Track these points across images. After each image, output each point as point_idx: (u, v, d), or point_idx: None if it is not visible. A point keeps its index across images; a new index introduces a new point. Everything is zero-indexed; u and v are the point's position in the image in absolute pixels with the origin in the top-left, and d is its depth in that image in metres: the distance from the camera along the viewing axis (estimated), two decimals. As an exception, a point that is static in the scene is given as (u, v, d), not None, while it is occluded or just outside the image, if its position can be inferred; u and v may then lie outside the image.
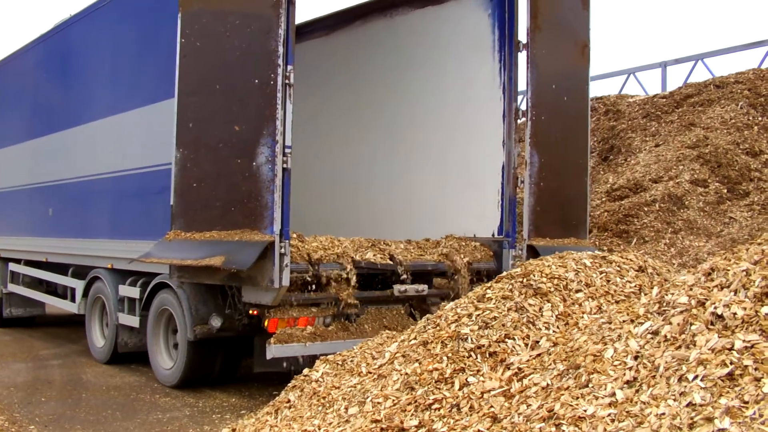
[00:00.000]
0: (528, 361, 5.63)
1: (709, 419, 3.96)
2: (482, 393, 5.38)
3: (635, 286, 6.97)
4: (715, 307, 4.71)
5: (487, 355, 5.88)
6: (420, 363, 6.05)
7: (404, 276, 9.86)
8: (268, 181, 8.48)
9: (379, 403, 5.78)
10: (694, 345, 4.55)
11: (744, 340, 4.38)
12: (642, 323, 5.10)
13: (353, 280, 9.37)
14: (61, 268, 13.80)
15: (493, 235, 10.86)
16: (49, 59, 14.29)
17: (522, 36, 10.52)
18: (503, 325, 6.16)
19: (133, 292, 11.02)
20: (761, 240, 5.43)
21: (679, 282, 5.36)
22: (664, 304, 5.13)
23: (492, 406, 5.14)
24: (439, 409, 5.41)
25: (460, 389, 5.57)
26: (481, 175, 11.16)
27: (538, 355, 5.67)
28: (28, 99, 15.21)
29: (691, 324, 4.72)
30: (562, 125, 10.72)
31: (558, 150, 10.64)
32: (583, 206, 10.99)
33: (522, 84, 10.58)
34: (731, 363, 4.27)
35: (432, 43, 12.33)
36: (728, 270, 5.06)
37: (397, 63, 13.00)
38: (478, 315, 6.36)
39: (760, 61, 20.10)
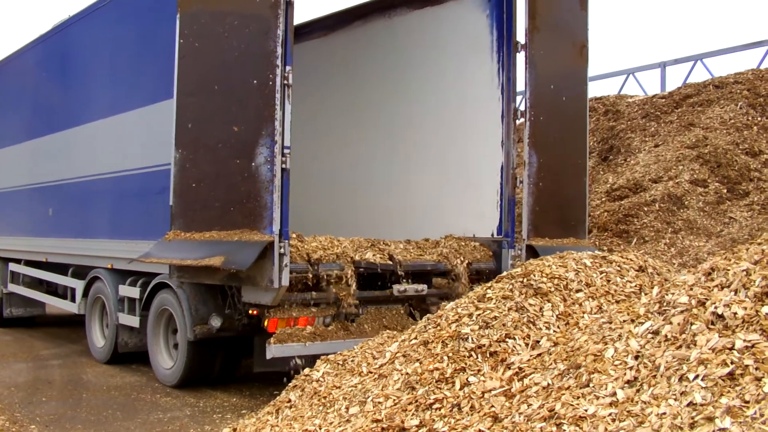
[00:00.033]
0: (529, 360, 5.63)
1: (710, 419, 3.97)
2: (483, 393, 5.38)
3: (635, 286, 6.98)
4: (716, 307, 4.72)
5: (488, 355, 5.88)
6: (421, 363, 6.06)
7: (402, 276, 9.88)
8: (267, 182, 8.49)
9: (380, 402, 5.78)
10: (695, 345, 4.56)
11: (744, 340, 4.38)
12: (642, 323, 5.11)
13: (353, 280, 9.38)
14: (61, 268, 13.81)
15: (492, 235, 10.88)
16: (49, 59, 14.29)
17: (520, 36, 10.54)
18: (504, 325, 6.16)
19: (133, 292, 11.02)
20: (761, 240, 5.44)
21: (680, 282, 5.36)
22: (665, 304, 5.13)
23: (493, 406, 5.14)
24: (440, 408, 5.41)
25: (460, 389, 5.57)
26: (480, 176, 11.17)
27: (539, 354, 5.68)
28: (28, 99, 15.21)
29: (692, 324, 4.73)
30: (561, 125, 10.73)
31: (556, 150, 10.65)
32: (581, 206, 11.00)
33: (520, 84, 10.58)
34: (732, 362, 4.27)
35: (431, 44, 12.34)
36: (728, 270, 5.06)
37: (396, 63, 13.00)
38: (479, 315, 6.36)
39: (760, 62, 20.13)
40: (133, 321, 11.09)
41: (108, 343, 11.90)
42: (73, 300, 13.19)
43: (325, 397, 6.44)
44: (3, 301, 16.34)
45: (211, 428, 8.16)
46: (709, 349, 4.44)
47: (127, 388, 10.27)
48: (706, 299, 4.86)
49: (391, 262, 9.84)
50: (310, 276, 9.14)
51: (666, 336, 4.78)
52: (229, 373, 10.39)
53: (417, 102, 12.54)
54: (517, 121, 11.05)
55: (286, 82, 8.53)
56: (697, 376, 4.29)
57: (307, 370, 7.16)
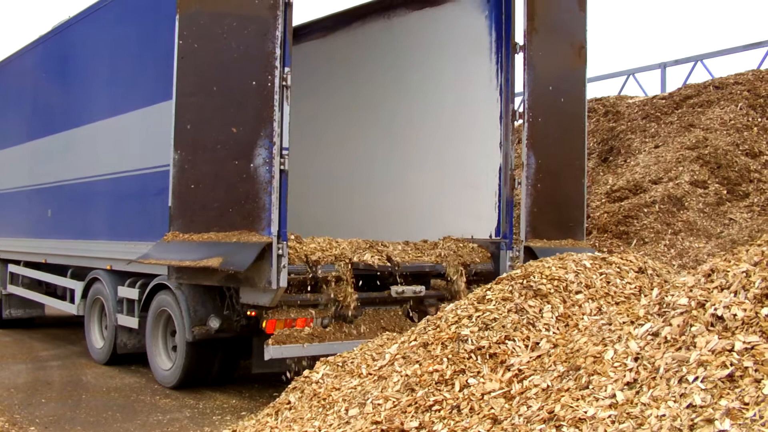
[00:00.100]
0: (528, 362, 5.62)
1: (710, 421, 3.96)
2: (482, 394, 5.38)
3: (635, 288, 6.97)
4: (715, 309, 4.71)
5: (488, 357, 5.88)
6: (420, 364, 6.05)
7: (400, 278, 9.88)
8: (266, 183, 8.50)
9: (379, 404, 5.78)
10: (695, 346, 4.55)
11: (744, 342, 4.38)
12: (642, 324, 5.10)
13: (351, 281, 9.38)
14: (60, 270, 13.81)
15: (490, 236, 10.88)
16: (49, 61, 14.29)
17: (519, 38, 10.56)
18: (503, 327, 6.15)
19: (132, 293, 11.02)
20: (761, 241, 5.43)
21: (679, 283, 5.35)
22: (664, 306, 5.13)
23: (492, 408, 5.14)
24: (439, 410, 5.41)
25: (460, 390, 5.56)
26: (479, 177, 11.18)
27: (539, 356, 5.67)
28: (28, 100, 15.20)
29: (691, 325, 4.72)
30: (559, 127, 10.74)
31: (555, 151, 10.66)
32: (580, 207, 11.00)
33: (519, 86, 10.59)
34: (731, 364, 4.26)
35: (429, 45, 12.35)
36: (728, 271, 5.06)
37: (395, 65, 13.01)
38: (479, 316, 6.35)
39: (760, 62, 20.15)
40: (132, 322, 11.09)
41: (107, 344, 11.90)
42: (72, 301, 13.19)
43: (324, 399, 6.44)
44: (2, 302, 16.35)
45: (210, 430, 8.16)
46: (709, 350, 4.44)
47: (126, 389, 10.27)
48: (705, 301, 4.86)
49: (389, 264, 9.84)
50: (309, 277, 9.14)
51: (666, 338, 4.77)
52: (227, 374, 10.39)
53: (416, 103, 12.54)
54: (516, 123, 11.04)
55: (284, 83, 8.53)
56: (696, 378, 4.29)
57: (306, 372, 7.15)
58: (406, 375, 6.00)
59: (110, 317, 11.64)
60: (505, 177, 10.73)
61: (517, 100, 10.75)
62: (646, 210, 15.04)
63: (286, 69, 8.55)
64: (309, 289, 9.22)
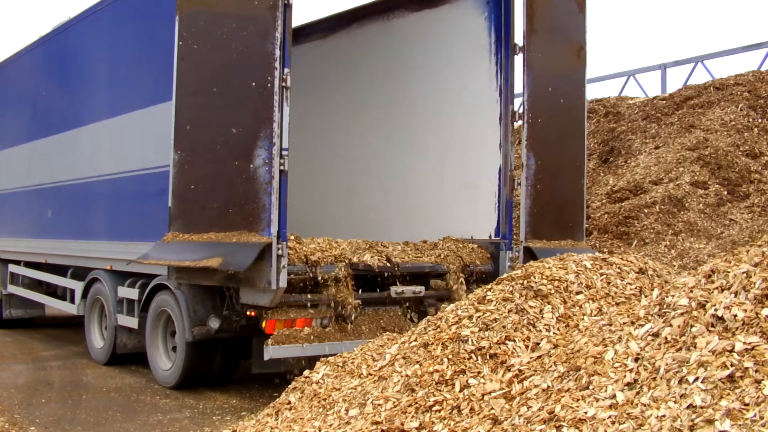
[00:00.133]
0: (528, 362, 5.62)
1: (710, 421, 3.96)
2: (483, 395, 5.37)
3: (636, 288, 6.97)
4: (716, 309, 4.71)
5: (488, 357, 5.87)
6: (421, 365, 6.05)
7: (399, 279, 9.89)
8: (265, 183, 8.51)
9: (379, 404, 5.78)
10: (695, 347, 4.55)
11: (744, 342, 4.37)
12: (642, 325, 5.10)
13: (350, 282, 9.39)
14: (60, 270, 13.81)
15: (490, 237, 10.90)
16: (49, 62, 14.29)
17: (518, 39, 10.58)
18: (504, 327, 6.15)
19: (132, 293, 11.02)
20: (761, 242, 5.43)
21: (680, 284, 5.35)
22: (665, 306, 5.12)
23: (492, 408, 5.13)
24: (439, 410, 5.40)
25: (460, 391, 5.56)
26: (478, 178, 11.19)
27: (539, 356, 5.67)
28: (28, 101, 15.20)
29: (692, 326, 4.72)
30: (559, 127, 10.75)
31: (554, 152, 10.66)
32: (579, 208, 11.00)
33: (518, 86, 10.60)
34: (732, 365, 4.26)
35: (429, 46, 12.36)
36: (729, 272, 5.05)
37: (395, 66, 13.02)
38: (479, 317, 6.35)
39: (760, 63, 20.13)
40: (132, 322, 11.09)
41: (107, 344, 11.90)
42: (72, 301, 13.20)
43: (324, 399, 6.44)
44: (3, 302, 16.35)
45: (210, 430, 8.16)
46: (709, 351, 4.43)
47: (126, 389, 10.27)
48: (706, 301, 4.85)
49: (388, 264, 9.85)
50: (308, 278, 9.15)
51: (666, 338, 4.77)
52: (227, 375, 10.39)
53: (415, 104, 12.55)
54: (516, 123, 11.04)
55: (284, 84, 8.55)
56: (696, 379, 4.28)
57: (306, 372, 7.15)
58: (407, 375, 6.00)
59: (110, 317, 11.65)
60: (505, 178, 10.74)
61: (517, 101, 10.75)
62: (646, 211, 15.04)
63: (286, 70, 8.56)
64: (309, 289, 9.23)
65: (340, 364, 7.04)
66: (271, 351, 8.84)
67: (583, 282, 6.87)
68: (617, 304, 6.56)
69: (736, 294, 4.77)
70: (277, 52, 8.54)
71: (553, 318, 6.31)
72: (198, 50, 9.23)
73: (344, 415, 5.95)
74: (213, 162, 9.04)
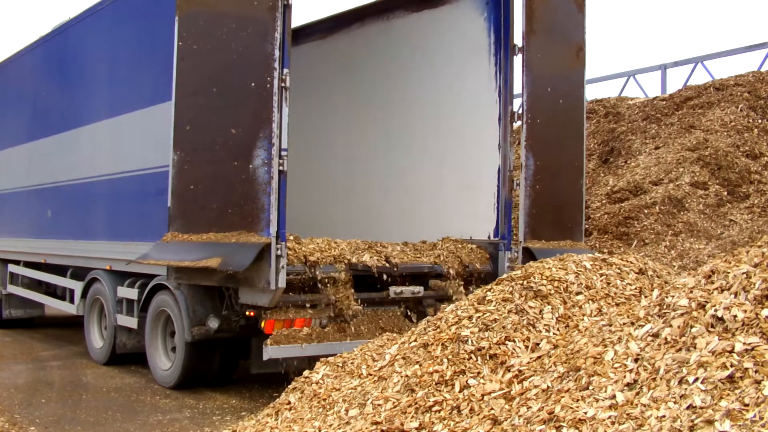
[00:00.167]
0: (528, 363, 5.62)
1: (710, 422, 3.96)
2: (483, 395, 5.37)
3: (635, 289, 6.97)
4: (716, 310, 4.71)
5: (488, 358, 5.87)
6: (420, 365, 6.05)
7: (398, 279, 9.90)
8: (265, 184, 8.52)
9: (379, 405, 5.77)
10: (695, 347, 4.54)
11: (744, 343, 4.37)
12: (642, 326, 5.10)
13: (349, 282, 9.40)
14: (60, 270, 13.82)
15: (489, 237, 10.91)
16: (48, 62, 14.29)
17: (517, 39, 10.57)
18: (504, 328, 6.15)
19: (132, 293, 11.02)
20: (761, 242, 5.42)
21: (680, 284, 5.35)
22: (665, 307, 5.12)
23: (492, 409, 5.13)
24: (439, 411, 5.40)
25: (460, 391, 5.56)
26: (477, 178, 11.20)
27: (539, 357, 5.67)
28: (28, 101, 15.21)
29: (692, 326, 4.72)
30: (558, 128, 10.75)
31: (553, 152, 10.67)
32: (578, 208, 11.00)
33: (518, 87, 10.61)
34: (731, 365, 4.26)
35: (428, 47, 12.36)
36: (728, 272, 5.05)
37: (394, 66, 13.02)
38: (479, 317, 6.35)
39: (760, 64, 20.10)
40: (131, 322, 11.09)
41: (106, 344, 11.91)
42: (71, 301, 13.20)
43: (324, 400, 6.43)
44: (2, 302, 16.36)
45: (210, 430, 8.16)
46: (709, 351, 4.43)
47: (126, 389, 10.27)
48: (706, 302, 4.85)
49: (387, 264, 9.85)
50: (307, 278, 9.16)
51: (666, 339, 4.77)
52: (226, 375, 10.39)
53: (415, 104, 12.56)
54: (515, 124, 11.04)
55: (283, 84, 8.56)
56: (696, 379, 4.28)
57: (306, 372, 7.15)
58: (407, 375, 6.00)
59: (110, 317, 11.65)
60: (504, 178, 10.74)
61: (516, 101, 10.75)
62: (646, 211, 15.03)
63: (285, 70, 8.58)
64: (308, 289, 9.23)
65: (340, 365, 7.04)
66: (270, 351, 8.85)
67: (582, 282, 6.87)
68: (617, 304, 6.56)
69: (736, 294, 4.77)
70: (277, 53, 8.55)
71: (552, 318, 6.31)
72: (197, 51, 9.24)
73: (344, 416, 5.95)
74: (212, 162, 9.05)
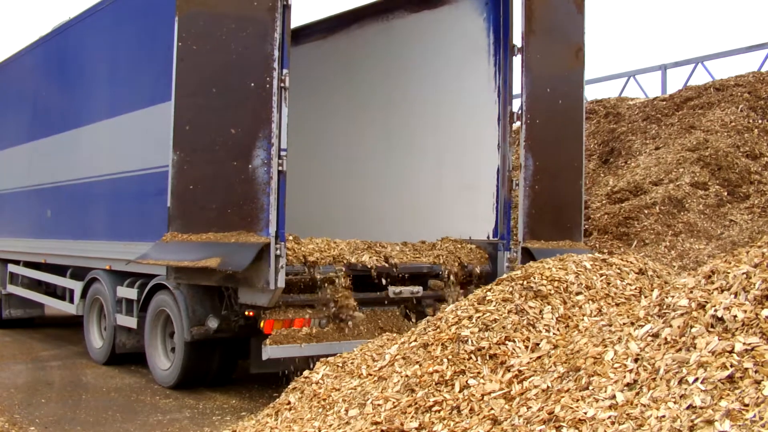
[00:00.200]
0: (528, 363, 5.62)
1: (710, 422, 3.96)
2: (482, 395, 5.37)
3: (635, 289, 6.97)
4: (716, 310, 4.70)
5: (488, 358, 5.87)
6: (420, 365, 6.05)
7: (398, 279, 9.90)
8: (264, 184, 8.53)
9: (379, 405, 5.77)
10: (695, 347, 4.54)
11: (744, 343, 4.37)
12: (642, 326, 5.10)
13: (348, 282, 9.40)
14: (59, 270, 13.82)
15: (488, 237, 10.91)
16: (48, 62, 14.29)
17: (517, 40, 10.58)
18: (504, 328, 6.15)
19: (131, 293, 11.02)
20: (761, 243, 5.42)
21: (680, 285, 5.35)
22: (665, 307, 5.12)
23: (492, 409, 5.13)
24: (439, 411, 5.40)
25: (460, 391, 5.56)
26: (477, 178, 11.20)
27: (539, 357, 5.66)
28: (27, 101, 15.21)
29: (692, 327, 4.71)
30: (557, 128, 10.76)
31: (553, 153, 10.68)
32: (578, 209, 11.01)
33: (517, 87, 10.61)
34: (731, 365, 4.26)
35: (428, 47, 12.37)
36: (728, 273, 5.05)
37: (393, 66, 13.03)
38: (479, 317, 6.35)
39: (760, 64, 20.08)
40: (131, 322, 11.09)
41: (106, 344, 11.91)
42: (71, 301, 13.21)
43: (324, 400, 6.43)
44: (2, 302, 16.37)
45: (210, 430, 8.15)
46: (709, 352, 4.43)
47: (126, 389, 10.26)
48: (706, 302, 4.85)
49: (387, 264, 9.86)
50: (307, 278, 9.16)
51: (666, 339, 4.77)
52: (225, 374, 10.40)
53: (414, 105, 12.57)
54: (514, 124, 11.05)
55: (282, 85, 8.57)
56: (696, 379, 4.28)
57: (306, 372, 7.15)
58: (406, 376, 6.00)
59: (109, 317, 11.65)
60: (503, 178, 10.74)
61: (515, 102, 10.75)
62: (646, 211, 15.02)
63: (285, 71, 8.59)
64: (307, 289, 9.23)
65: (340, 365, 7.04)
66: (269, 351, 8.86)
67: (582, 282, 6.87)
68: (617, 304, 6.56)
69: (735, 295, 4.77)
70: (276, 53, 8.56)
71: (552, 318, 6.31)
72: (197, 51, 9.24)
73: (344, 416, 5.95)
74: (212, 162, 9.05)
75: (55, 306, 14.45)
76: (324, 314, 9.28)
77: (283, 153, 8.54)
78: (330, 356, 7.37)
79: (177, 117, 9.28)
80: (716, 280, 5.08)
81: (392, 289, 9.82)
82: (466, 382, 5.64)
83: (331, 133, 14.09)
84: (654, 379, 4.50)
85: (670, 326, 4.84)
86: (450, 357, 5.95)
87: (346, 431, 5.65)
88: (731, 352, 4.36)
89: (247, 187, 8.64)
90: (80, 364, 12.09)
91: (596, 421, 4.38)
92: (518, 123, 10.65)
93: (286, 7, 8.63)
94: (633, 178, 16.34)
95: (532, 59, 10.41)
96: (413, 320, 9.82)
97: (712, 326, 4.64)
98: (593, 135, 18.93)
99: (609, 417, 4.37)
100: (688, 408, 4.12)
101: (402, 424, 5.34)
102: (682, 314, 4.87)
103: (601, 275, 7.10)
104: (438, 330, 6.47)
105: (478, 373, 5.73)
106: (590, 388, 4.74)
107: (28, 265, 15.07)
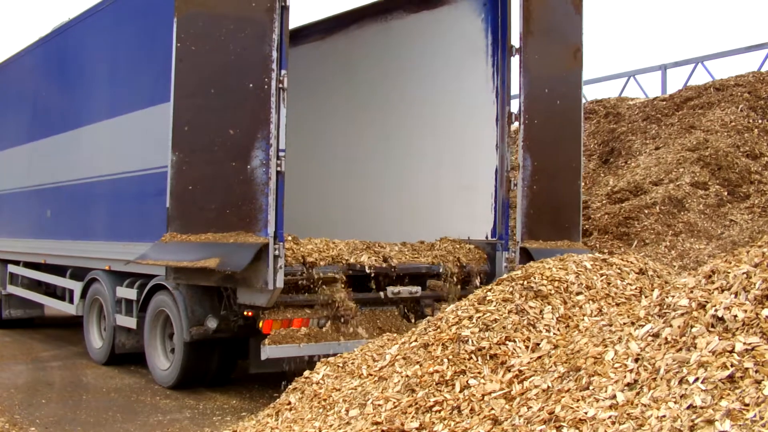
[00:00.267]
0: (529, 363, 5.62)
1: (710, 421, 3.95)
2: (483, 395, 5.37)
3: (636, 289, 6.97)
4: (716, 310, 4.70)
5: (488, 358, 5.87)
6: (421, 365, 6.04)
7: (396, 279, 9.91)
8: (263, 184, 8.54)
9: (379, 405, 5.77)
10: (695, 347, 4.54)
11: (744, 343, 4.37)
12: (643, 326, 5.10)
13: (346, 282, 9.41)
14: (59, 270, 13.82)
15: (486, 237, 10.93)
16: (49, 62, 14.29)
17: (515, 40, 10.59)
18: (504, 328, 6.15)
19: (131, 293, 11.03)
20: (761, 242, 5.42)
21: (680, 284, 5.35)
22: (665, 307, 5.12)
23: (493, 409, 5.13)
24: (439, 411, 5.40)
25: (460, 391, 5.55)
26: (475, 179, 11.22)
27: (539, 357, 5.66)
28: (27, 102, 15.21)
29: (692, 326, 4.71)
30: (555, 129, 10.77)
31: (551, 153, 10.69)
32: (576, 209, 11.03)
33: (515, 88, 10.62)
34: (732, 365, 4.26)
35: (426, 48, 12.39)
36: (729, 272, 5.05)
37: (392, 67, 13.04)
38: (479, 317, 6.35)
39: (760, 64, 20.08)
40: (130, 322, 11.09)
41: (105, 344, 11.91)
42: (71, 301, 13.21)
43: (325, 400, 6.43)
44: (2, 302, 16.37)
45: (210, 430, 8.15)
46: (709, 351, 4.43)
47: (126, 390, 10.26)
48: (706, 302, 4.85)
49: (385, 265, 9.86)
50: (305, 278, 9.17)
51: (666, 339, 4.76)
52: (225, 374, 10.40)
53: (413, 105, 12.59)
54: (512, 125, 11.05)
55: (281, 85, 8.59)
56: (697, 379, 4.28)
57: (307, 373, 7.15)
58: (407, 376, 6.00)
59: (109, 317, 11.65)
60: (501, 178, 10.75)
61: (514, 102, 10.76)
62: (646, 211, 15.02)
63: (283, 71, 8.61)
64: (306, 289, 9.24)
65: (341, 365, 7.04)
66: (268, 351, 8.88)
67: (583, 282, 6.87)
68: (617, 304, 6.55)
69: (736, 294, 4.77)
70: (274, 54, 8.58)
71: (553, 318, 6.31)
72: (196, 52, 9.25)
73: (344, 416, 5.95)
74: (211, 163, 9.06)
75: (54, 306, 14.45)
76: (323, 314, 9.29)
77: (281, 153, 8.55)
78: (329, 356, 7.38)
79: (176, 117, 9.28)
80: (716, 279, 5.07)
81: (391, 289, 9.82)
82: (467, 382, 5.64)
83: (330, 134, 14.11)
84: (654, 379, 4.49)
85: (671, 326, 4.83)
86: (450, 357, 5.95)
87: (347, 431, 5.65)
88: (732, 351, 4.36)
89: (246, 187, 8.65)
90: (80, 364, 12.09)
91: (597, 421, 4.38)
92: (516, 123, 10.66)
93: (285, 8, 8.65)
94: (633, 178, 16.34)
95: (530, 60, 10.41)
96: (412, 320, 9.84)
97: (713, 326, 4.64)
98: (593, 135, 18.94)
99: (609, 417, 4.36)
100: (688, 408, 4.12)
101: (402, 425, 5.34)
102: (682, 314, 4.87)
103: (602, 275, 7.10)
104: (438, 330, 6.47)
105: (479, 373, 5.73)
106: (591, 388, 4.74)
107: (28, 265, 15.07)
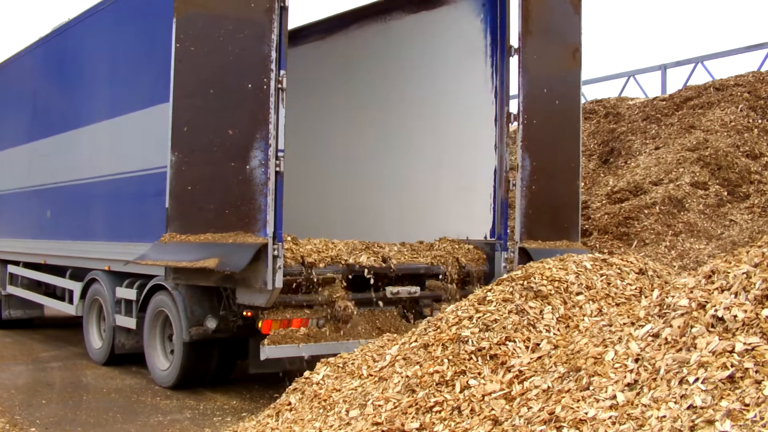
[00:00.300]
0: (529, 363, 5.62)
1: (710, 422, 3.95)
2: (483, 395, 5.37)
3: (636, 289, 6.97)
4: (716, 310, 4.70)
5: (488, 358, 5.87)
6: (421, 366, 6.04)
7: (395, 279, 9.91)
8: (261, 185, 8.55)
9: (380, 405, 5.77)
10: (695, 347, 4.54)
11: (745, 343, 4.37)
12: (643, 326, 5.09)
13: (345, 283, 9.41)
14: (59, 270, 13.81)
15: (485, 237, 10.95)
16: (49, 62, 14.28)
17: (514, 41, 10.59)
18: (504, 328, 6.15)
19: (130, 293, 11.03)
20: (761, 243, 5.42)
21: (680, 284, 5.35)
22: (665, 307, 5.12)
23: (493, 409, 5.13)
24: (440, 411, 5.40)
25: (461, 392, 5.55)
26: (474, 179, 11.23)
27: (539, 357, 5.66)
28: (27, 102, 15.20)
29: (692, 326, 4.71)
30: (554, 129, 10.77)
31: (550, 153, 10.69)
32: (575, 209, 11.03)
33: (514, 88, 10.61)
34: (732, 365, 4.26)
35: (425, 48, 12.40)
36: (729, 273, 5.05)
37: (391, 67, 13.05)
38: (479, 318, 6.34)
39: (760, 64, 20.08)
40: (130, 322, 11.09)
41: (105, 345, 11.91)
42: (71, 302, 13.20)
43: (325, 400, 6.43)
44: (2, 302, 16.37)
45: (211, 431, 8.15)
46: (710, 352, 4.43)
47: (126, 390, 10.26)
48: (706, 302, 4.85)
49: (384, 265, 9.86)
50: (304, 278, 9.17)
51: (666, 339, 4.76)
52: (224, 375, 10.41)
53: (412, 105, 12.60)
54: (511, 125, 11.05)
55: (280, 86, 8.60)
56: (697, 379, 4.28)
57: (307, 373, 7.15)
58: (407, 376, 6.00)
59: (108, 318, 11.65)
60: (500, 179, 10.76)
61: (513, 102, 10.76)
62: (646, 211, 15.01)
63: (282, 72, 8.62)
64: (305, 290, 9.24)
65: (341, 365, 7.04)
66: (268, 351, 8.89)
67: (583, 283, 6.87)
68: (617, 304, 6.55)
69: (736, 295, 4.77)
70: (273, 55, 8.59)
71: (553, 319, 6.31)
72: (195, 52, 9.24)
73: (345, 416, 5.95)
74: (210, 163, 9.06)
75: (54, 307, 14.45)
76: (322, 314, 9.30)
77: (280, 154, 8.56)
78: (328, 356, 7.38)
79: (175, 118, 9.28)
80: (716, 280, 5.07)
81: (390, 290, 9.83)
82: (467, 382, 5.64)
83: (329, 134, 14.11)
84: (654, 379, 4.49)
85: (671, 326, 4.83)
86: (450, 357, 5.95)
87: (347, 432, 5.65)
88: (732, 352, 4.36)
89: (245, 187, 8.65)
90: (80, 364, 12.08)
91: (597, 422, 4.38)
92: (515, 123, 10.66)
93: (284, 9, 8.66)
94: (633, 178, 16.34)
95: (529, 60, 10.41)
96: (411, 320, 9.84)
97: (713, 326, 4.64)
98: (593, 135, 18.94)
99: (610, 417, 4.36)
100: (688, 408, 4.12)
101: (403, 425, 5.34)
102: (682, 314, 4.87)
103: (602, 275, 7.10)
104: (438, 330, 6.47)
105: (479, 373, 5.73)
106: (591, 388, 4.74)
107: (28, 265, 15.07)
